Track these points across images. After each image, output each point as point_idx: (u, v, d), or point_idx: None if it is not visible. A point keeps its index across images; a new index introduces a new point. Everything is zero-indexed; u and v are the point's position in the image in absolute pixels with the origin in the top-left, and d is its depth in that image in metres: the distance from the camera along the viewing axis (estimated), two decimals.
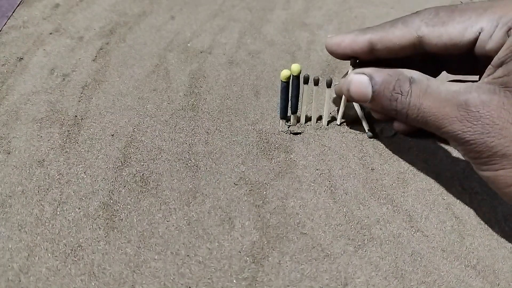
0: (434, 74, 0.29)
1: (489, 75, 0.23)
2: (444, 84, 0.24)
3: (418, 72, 0.25)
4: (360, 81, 0.26)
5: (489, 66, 0.23)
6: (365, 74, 0.26)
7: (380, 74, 0.26)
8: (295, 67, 0.29)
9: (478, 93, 0.22)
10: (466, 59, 0.26)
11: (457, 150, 0.25)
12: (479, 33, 0.23)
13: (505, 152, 0.22)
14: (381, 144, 0.31)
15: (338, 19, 0.45)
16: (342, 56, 0.28)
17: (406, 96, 0.24)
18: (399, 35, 0.25)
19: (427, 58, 0.27)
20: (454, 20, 0.23)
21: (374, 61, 0.27)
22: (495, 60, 0.22)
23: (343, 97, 0.30)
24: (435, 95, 0.23)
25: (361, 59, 0.28)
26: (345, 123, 0.33)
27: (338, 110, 0.32)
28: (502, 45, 0.22)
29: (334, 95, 0.34)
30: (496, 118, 0.22)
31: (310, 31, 0.43)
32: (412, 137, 0.31)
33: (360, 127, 0.32)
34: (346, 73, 0.29)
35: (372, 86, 0.26)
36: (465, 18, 0.23)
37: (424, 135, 0.31)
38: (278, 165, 0.30)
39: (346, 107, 0.31)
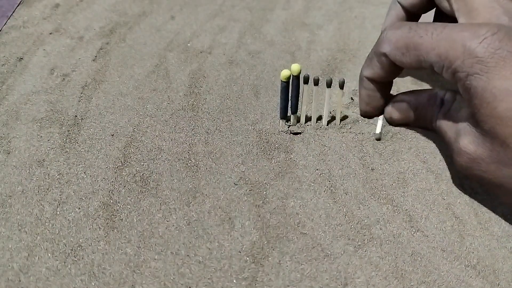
0: None
1: None
2: (462, 110, 0.24)
3: (451, 92, 0.26)
4: (400, 106, 0.29)
5: None
6: (405, 101, 0.29)
7: (418, 97, 0.28)
8: (295, 67, 0.28)
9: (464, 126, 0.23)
10: None
11: None
12: None
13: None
14: (381, 144, 0.31)
15: (338, 19, 0.45)
16: None
17: (437, 116, 0.26)
18: None
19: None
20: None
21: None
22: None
23: (340, 99, 0.30)
24: (450, 118, 0.25)
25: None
26: (345, 123, 0.33)
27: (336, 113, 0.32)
28: None
29: (334, 95, 0.34)
30: (474, 153, 0.22)
31: (310, 31, 0.43)
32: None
33: (360, 127, 0.32)
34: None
35: (412, 110, 0.28)
36: None
37: None
38: (278, 165, 0.30)
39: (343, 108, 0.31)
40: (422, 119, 0.28)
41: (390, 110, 0.29)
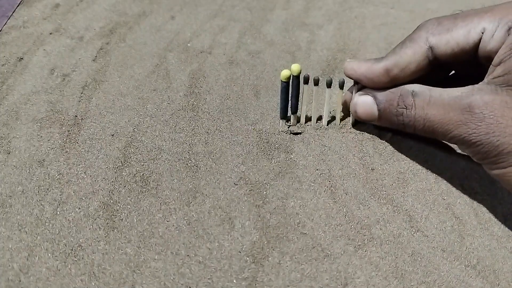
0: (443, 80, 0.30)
1: (489, 74, 0.23)
2: (446, 91, 0.24)
3: (419, 84, 0.26)
4: (365, 102, 0.28)
5: (491, 66, 0.23)
6: (369, 95, 0.28)
7: (383, 93, 0.27)
8: (295, 67, 0.29)
9: (480, 95, 0.23)
10: (473, 65, 0.26)
11: (466, 153, 0.25)
12: (482, 33, 0.23)
13: (511, 149, 0.22)
14: (381, 144, 0.31)
15: (338, 19, 0.45)
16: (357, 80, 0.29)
17: (411, 110, 0.25)
18: (410, 54, 0.26)
19: (436, 69, 0.28)
20: (457, 26, 0.24)
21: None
22: (495, 59, 0.23)
23: (340, 99, 0.30)
24: (438, 103, 0.24)
25: (377, 87, 0.28)
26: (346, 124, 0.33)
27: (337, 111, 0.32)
28: (502, 44, 0.23)
29: (334, 95, 0.34)
30: (500, 117, 0.22)
31: (310, 31, 0.43)
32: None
33: (360, 127, 0.32)
34: (353, 85, 0.30)
35: (377, 105, 0.27)
36: (468, 21, 0.24)
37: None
38: (278, 165, 0.30)
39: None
40: (388, 114, 0.27)
41: (354, 103, 0.29)
